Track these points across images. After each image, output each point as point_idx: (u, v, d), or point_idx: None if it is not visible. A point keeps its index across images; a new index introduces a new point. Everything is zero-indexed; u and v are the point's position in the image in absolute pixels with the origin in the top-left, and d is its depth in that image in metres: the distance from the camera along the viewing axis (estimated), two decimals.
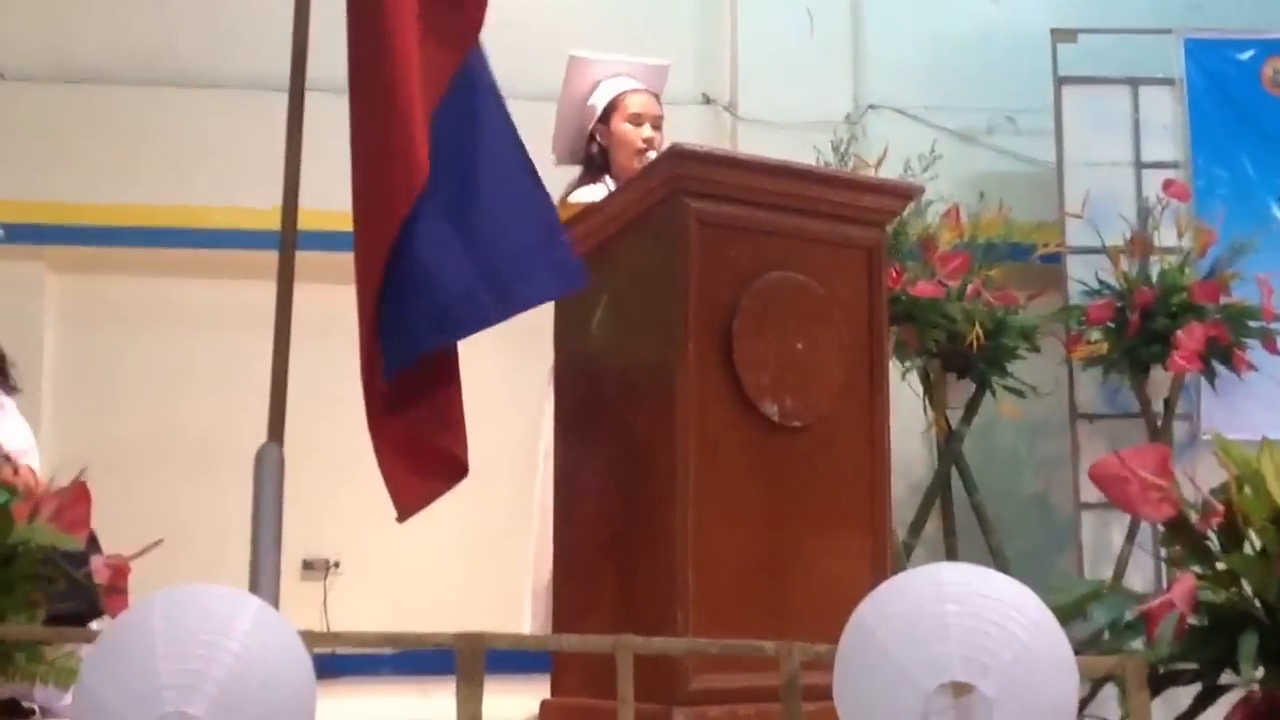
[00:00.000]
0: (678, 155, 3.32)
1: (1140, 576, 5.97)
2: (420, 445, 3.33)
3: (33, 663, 2.59)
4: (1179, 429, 6.30)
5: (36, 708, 4.15)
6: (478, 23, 3.50)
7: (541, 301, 3.44)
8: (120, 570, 2.79)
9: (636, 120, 4.71)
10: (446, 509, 6.59)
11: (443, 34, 3.45)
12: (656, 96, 4.80)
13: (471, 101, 3.48)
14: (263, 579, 2.99)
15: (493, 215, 3.34)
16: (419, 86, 3.36)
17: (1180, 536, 2.53)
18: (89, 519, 2.79)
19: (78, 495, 2.78)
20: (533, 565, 4.51)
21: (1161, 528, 2.57)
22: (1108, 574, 5.96)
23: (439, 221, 3.30)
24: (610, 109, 4.74)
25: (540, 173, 3.45)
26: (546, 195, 3.43)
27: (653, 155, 4.52)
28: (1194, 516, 2.57)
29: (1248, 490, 2.42)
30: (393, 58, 3.37)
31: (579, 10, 6.92)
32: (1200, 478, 2.69)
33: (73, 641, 2.54)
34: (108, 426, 6.42)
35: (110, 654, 1.90)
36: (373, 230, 3.34)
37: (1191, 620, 2.39)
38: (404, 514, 3.32)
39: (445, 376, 3.39)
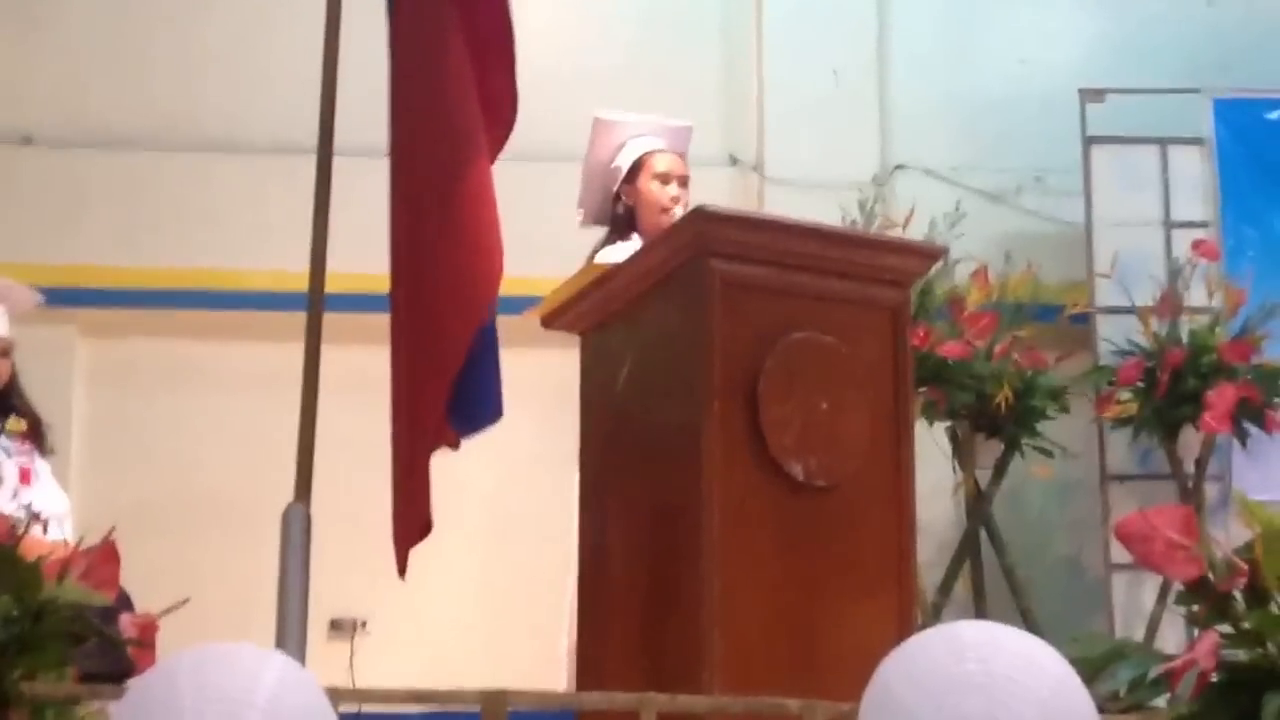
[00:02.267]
0: (702, 216, 3.34)
1: (1173, 638, 5.93)
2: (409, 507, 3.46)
3: None
4: (1211, 490, 6.26)
5: None
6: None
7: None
8: (148, 628, 2.81)
9: (663, 179, 4.74)
10: (476, 568, 6.64)
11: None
12: (682, 157, 4.83)
13: None
14: (289, 638, 3.00)
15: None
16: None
17: (1202, 596, 2.53)
18: (118, 578, 2.81)
19: (107, 554, 2.80)
20: (566, 627, 4.50)
21: (1181, 586, 2.56)
22: (1140, 636, 5.92)
23: None
24: (636, 168, 4.77)
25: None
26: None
27: (679, 212, 4.55)
28: (1219, 576, 2.56)
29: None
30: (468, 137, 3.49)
31: (603, 72, 6.96)
32: (1233, 538, 2.68)
33: (101, 698, 2.55)
34: (136, 488, 6.45)
35: (136, 710, 1.90)
36: (462, 284, 3.47)
37: (1214, 678, 2.38)
38: (404, 569, 3.42)
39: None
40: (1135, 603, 6.21)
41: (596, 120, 4.88)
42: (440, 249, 3.51)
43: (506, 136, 3.71)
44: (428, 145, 3.54)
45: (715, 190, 6.16)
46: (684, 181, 4.77)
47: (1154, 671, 2.51)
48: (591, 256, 4.64)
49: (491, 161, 3.66)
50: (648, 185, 4.74)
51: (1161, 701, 2.50)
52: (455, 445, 3.55)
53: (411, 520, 3.51)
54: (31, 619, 2.62)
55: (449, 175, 3.53)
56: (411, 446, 3.48)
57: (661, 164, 4.77)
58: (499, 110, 3.66)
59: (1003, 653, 1.97)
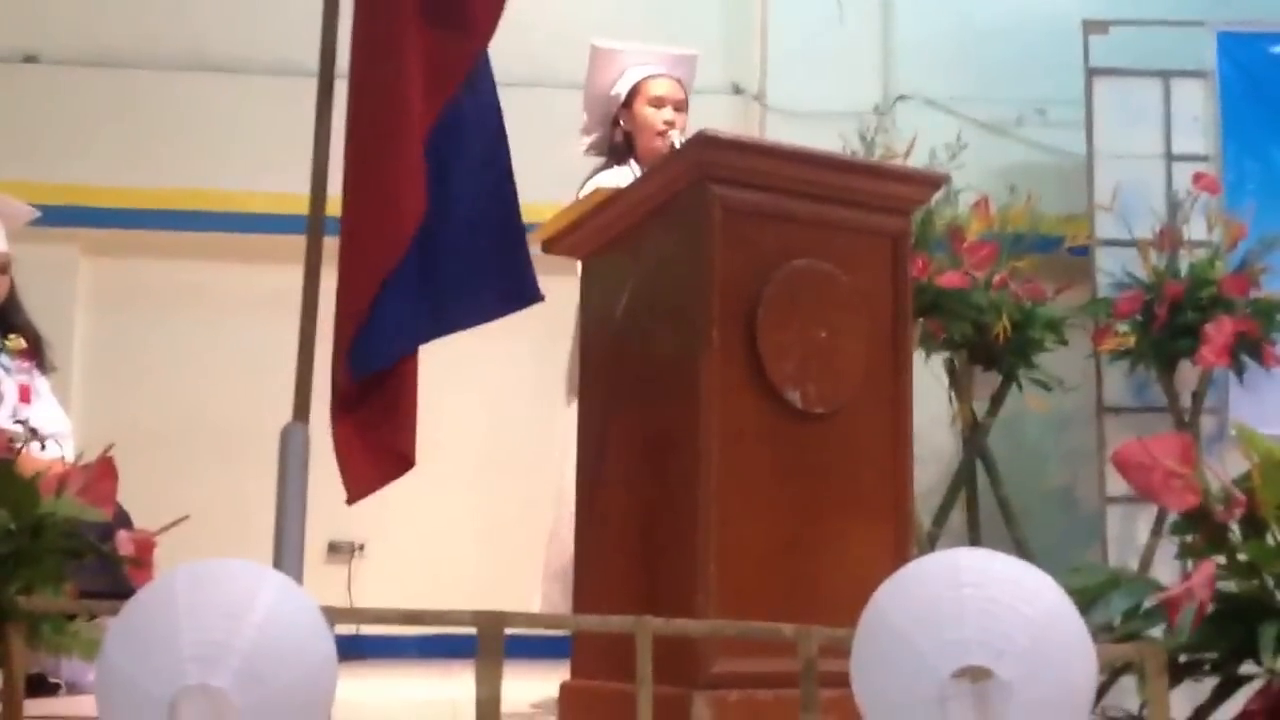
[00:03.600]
0: (703, 142, 3.32)
1: (1166, 570, 5.96)
2: (373, 437, 3.43)
3: (59, 635, 2.62)
4: (1207, 423, 6.28)
5: (63, 683, 4.19)
6: (489, 29, 3.57)
7: (486, 320, 3.64)
8: (145, 545, 2.81)
9: (658, 103, 4.72)
10: (470, 494, 6.66)
11: (453, 36, 3.53)
12: (681, 83, 4.80)
13: (466, 108, 3.59)
14: (287, 558, 3.01)
15: (459, 230, 3.55)
16: (422, 94, 3.47)
17: (1198, 526, 2.53)
18: (115, 495, 2.82)
19: (104, 471, 2.79)
20: (546, 547, 4.52)
21: (1176, 516, 2.57)
22: (1133, 567, 5.95)
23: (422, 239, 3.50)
24: (633, 94, 4.75)
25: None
26: (515, 206, 3.63)
27: (674, 136, 4.54)
28: (1217, 506, 2.56)
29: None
30: (401, 60, 3.45)
31: (606, 2, 6.93)
32: (1228, 471, 2.68)
33: (98, 614, 2.56)
34: (136, 408, 6.47)
35: (132, 627, 1.91)
36: (369, 237, 3.44)
37: (1211, 608, 2.39)
38: (353, 497, 3.42)
39: (402, 376, 3.54)
40: (1129, 534, 6.25)
41: (594, 48, 4.86)
42: (370, 183, 3.49)
43: (488, 34, 3.64)
44: (375, 74, 3.51)
45: (717, 119, 6.07)
46: (680, 106, 4.75)
47: (1149, 601, 2.52)
48: (585, 182, 4.63)
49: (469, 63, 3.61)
50: (643, 110, 4.73)
51: (1156, 632, 2.50)
52: (346, 383, 3.51)
53: (383, 456, 3.51)
54: (29, 534, 2.63)
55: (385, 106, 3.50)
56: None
57: (657, 88, 4.75)
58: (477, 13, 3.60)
59: (998, 580, 1.98)
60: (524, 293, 3.60)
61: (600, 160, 4.81)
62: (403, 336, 3.51)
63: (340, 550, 6.52)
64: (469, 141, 3.60)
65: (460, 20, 3.55)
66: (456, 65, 3.56)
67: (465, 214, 3.55)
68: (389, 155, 3.49)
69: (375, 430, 3.48)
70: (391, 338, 3.48)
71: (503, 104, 3.75)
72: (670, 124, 4.67)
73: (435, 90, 3.53)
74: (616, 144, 4.77)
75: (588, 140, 4.91)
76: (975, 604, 1.95)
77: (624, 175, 4.53)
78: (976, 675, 1.90)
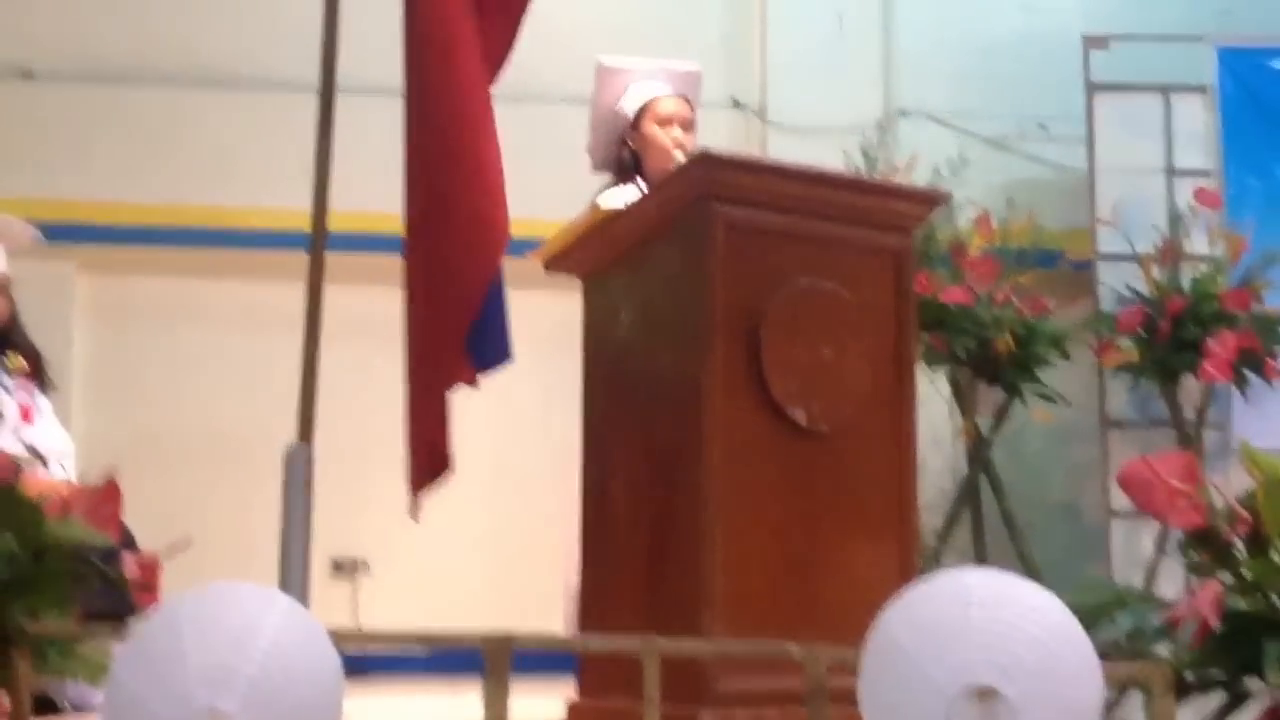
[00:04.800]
0: (706, 160, 3.33)
1: (1171, 585, 5.95)
2: (432, 438, 3.52)
3: (64, 658, 2.62)
4: (1210, 438, 6.28)
5: (68, 704, 4.18)
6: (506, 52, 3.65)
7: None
8: (151, 567, 2.81)
9: (666, 122, 4.72)
10: (476, 509, 6.66)
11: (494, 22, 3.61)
12: (688, 101, 4.81)
13: None
14: (292, 578, 3.01)
15: None
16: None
17: (1204, 544, 2.53)
18: (120, 517, 2.82)
19: (109, 493, 2.80)
20: (565, 566, 4.51)
21: (1183, 535, 2.57)
22: (1138, 582, 5.94)
23: None
24: (641, 113, 4.75)
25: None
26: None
27: (682, 157, 4.54)
28: (1221, 524, 2.57)
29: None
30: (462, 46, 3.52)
31: (607, 14, 6.93)
32: (1233, 486, 2.68)
33: (104, 637, 2.56)
34: (137, 425, 6.46)
35: (141, 650, 1.91)
36: (472, 232, 3.52)
37: (1216, 627, 2.39)
38: (417, 489, 3.47)
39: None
40: (1134, 549, 6.24)
41: (601, 66, 4.86)
42: (456, 195, 3.53)
43: (497, 73, 3.70)
44: (439, 93, 3.55)
45: (718, 134, 6.15)
46: (688, 125, 4.75)
47: (1154, 619, 2.52)
48: (593, 200, 4.63)
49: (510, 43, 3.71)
50: (651, 129, 4.72)
51: (1162, 649, 2.51)
52: (474, 382, 3.61)
53: (429, 460, 3.56)
54: (33, 558, 2.63)
55: (461, 124, 3.54)
56: (429, 388, 3.53)
57: (665, 107, 4.75)
58: (494, 48, 3.65)
59: (1004, 599, 1.98)
60: (506, 352, 3.69)
61: (606, 178, 4.81)
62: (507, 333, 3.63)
63: (344, 568, 6.51)
64: None
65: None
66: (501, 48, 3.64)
67: None
68: (480, 151, 3.54)
69: (435, 431, 3.55)
70: (505, 333, 3.60)
71: (505, 120, 3.77)
72: (679, 143, 4.67)
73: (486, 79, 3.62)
74: (623, 162, 4.76)
75: (593, 158, 4.91)
76: (982, 624, 1.96)
77: (631, 194, 4.52)
78: (984, 694, 1.90)
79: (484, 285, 3.56)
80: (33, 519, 2.63)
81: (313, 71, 3.59)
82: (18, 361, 4.63)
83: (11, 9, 6.80)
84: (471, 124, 3.58)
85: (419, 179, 3.58)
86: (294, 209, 3.85)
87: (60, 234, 6.14)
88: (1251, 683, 2.50)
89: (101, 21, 6.83)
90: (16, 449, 3.99)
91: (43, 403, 4.70)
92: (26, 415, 4.55)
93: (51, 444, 4.41)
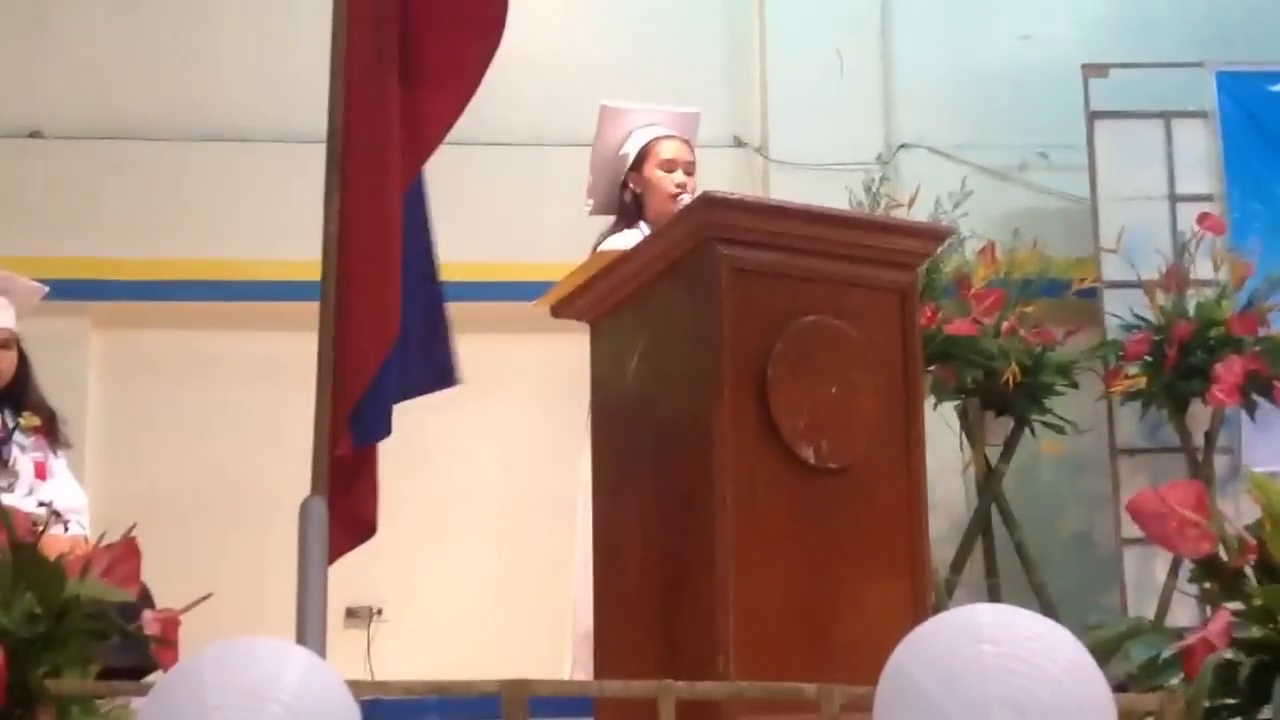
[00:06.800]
0: (708, 202, 3.36)
1: (1185, 613, 5.94)
2: (342, 505, 3.44)
3: (86, 716, 2.64)
4: (1220, 462, 6.28)
5: None
6: (468, 94, 3.57)
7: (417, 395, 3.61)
8: (170, 623, 2.84)
9: (669, 167, 4.75)
10: (488, 554, 6.66)
11: (434, 100, 3.54)
12: (688, 143, 4.84)
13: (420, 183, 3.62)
14: (310, 634, 3.02)
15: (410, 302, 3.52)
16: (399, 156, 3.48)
17: (1214, 573, 2.55)
18: (139, 574, 2.84)
19: (128, 551, 2.83)
20: (574, 611, 4.53)
21: (1193, 564, 2.58)
22: (1152, 610, 5.94)
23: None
24: (642, 156, 4.78)
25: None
26: (440, 288, 3.61)
27: (686, 200, 4.57)
28: (1230, 552, 2.58)
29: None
30: (386, 123, 3.46)
31: (607, 56, 6.97)
32: (1243, 511, 2.70)
33: (125, 694, 2.58)
34: (151, 480, 6.47)
35: (162, 706, 1.93)
36: (370, 305, 3.44)
37: (1228, 656, 2.40)
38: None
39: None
40: (1147, 576, 6.23)
41: (603, 108, 4.90)
42: (368, 261, 3.48)
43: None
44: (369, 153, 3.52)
45: (719, 172, 6.18)
46: (690, 169, 4.79)
47: (1167, 651, 2.54)
48: (598, 244, 4.66)
49: (444, 130, 3.63)
50: (654, 173, 4.76)
51: (1176, 680, 2.52)
52: (347, 451, 3.51)
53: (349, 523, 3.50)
54: (54, 617, 2.65)
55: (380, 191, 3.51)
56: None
57: (667, 151, 4.78)
58: (458, 75, 3.60)
59: (1017, 636, 1.99)
60: (448, 375, 3.60)
61: (609, 221, 4.84)
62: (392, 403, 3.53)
63: (359, 615, 6.52)
64: (419, 214, 3.60)
65: (441, 83, 3.55)
66: (435, 129, 3.57)
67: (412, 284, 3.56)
68: (382, 220, 3.49)
69: (344, 498, 3.48)
70: (388, 406, 3.50)
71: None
72: (682, 187, 4.70)
73: (412, 153, 3.53)
74: (626, 205, 4.80)
75: (593, 201, 4.94)
76: (995, 660, 1.96)
77: (634, 238, 4.55)
78: None
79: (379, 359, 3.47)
80: (53, 578, 2.66)
81: (316, 121, 3.61)
82: (32, 419, 4.66)
83: (19, 69, 6.86)
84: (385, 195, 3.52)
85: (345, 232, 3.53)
86: (303, 259, 3.86)
87: (72, 290, 6.17)
88: (1265, 711, 2.51)
89: (107, 80, 6.88)
90: (32, 507, 4.01)
91: (56, 460, 4.72)
92: (41, 473, 4.58)
93: (67, 501, 4.43)
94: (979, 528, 6.25)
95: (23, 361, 4.81)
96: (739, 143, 7.13)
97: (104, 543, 2.85)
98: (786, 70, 7.11)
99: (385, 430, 3.48)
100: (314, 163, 3.62)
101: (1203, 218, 6.25)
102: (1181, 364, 6.04)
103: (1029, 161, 7.17)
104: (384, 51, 3.49)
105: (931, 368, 5.73)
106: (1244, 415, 6.11)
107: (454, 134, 3.57)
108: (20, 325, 4.86)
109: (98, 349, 6.76)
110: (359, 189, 3.49)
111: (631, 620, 3.53)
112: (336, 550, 3.43)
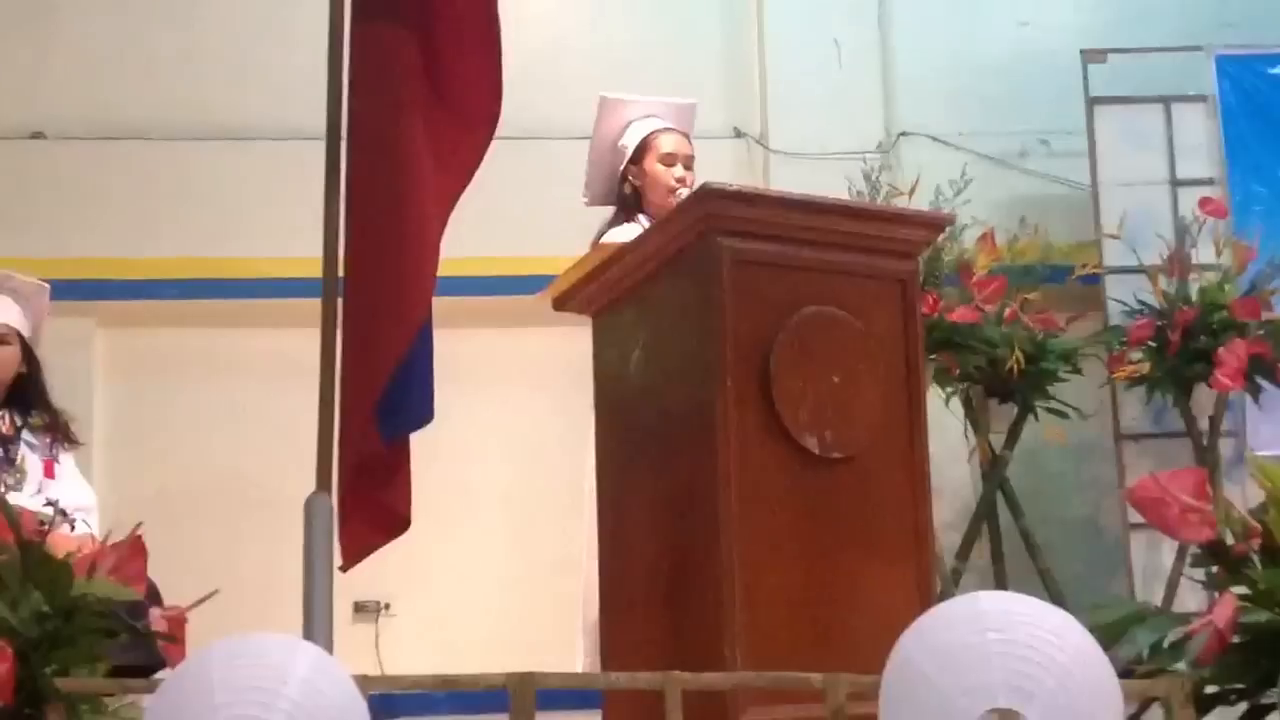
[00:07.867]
0: (708, 194, 3.36)
1: (1193, 596, 5.95)
2: (374, 499, 3.44)
3: (95, 714, 2.65)
4: (1225, 446, 6.28)
5: None
6: (492, 120, 3.60)
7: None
8: (177, 621, 2.85)
9: (669, 160, 4.76)
10: (495, 548, 6.67)
11: (457, 124, 3.56)
12: (687, 136, 4.85)
13: None
14: (317, 629, 3.03)
15: None
16: (433, 170, 3.49)
17: (1218, 558, 2.55)
18: (146, 573, 2.85)
19: (135, 549, 2.84)
20: (581, 602, 4.54)
21: (1196, 550, 2.59)
22: (1159, 595, 5.95)
23: None
24: (642, 149, 4.79)
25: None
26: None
27: (685, 194, 4.57)
28: (1234, 538, 2.58)
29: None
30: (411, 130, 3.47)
31: (605, 46, 6.97)
32: (1249, 495, 2.70)
33: (134, 692, 2.59)
34: (158, 478, 6.48)
35: (170, 703, 1.94)
36: (394, 297, 3.45)
37: (1234, 640, 2.40)
38: (348, 563, 3.40)
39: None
40: (1154, 561, 6.24)
41: (602, 100, 4.90)
42: (384, 251, 3.49)
43: (492, 120, 3.66)
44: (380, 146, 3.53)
45: (719, 163, 6.17)
46: (689, 162, 4.80)
47: (1173, 635, 2.54)
48: (597, 238, 4.67)
49: (480, 154, 3.64)
50: (653, 166, 4.77)
51: (1182, 664, 2.52)
52: (379, 451, 3.51)
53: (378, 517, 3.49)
54: (63, 616, 2.66)
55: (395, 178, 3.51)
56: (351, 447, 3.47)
57: (667, 144, 4.79)
58: (477, 93, 3.62)
59: (1022, 623, 2.00)
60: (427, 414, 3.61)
61: (608, 212, 4.84)
62: (430, 397, 3.53)
63: (366, 610, 6.53)
64: None
65: (462, 110, 3.58)
66: (469, 157, 3.60)
67: None
68: (408, 220, 3.50)
69: (378, 491, 3.49)
70: (424, 397, 3.50)
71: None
72: (682, 180, 4.71)
73: (447, 174, 3.55)
74: (625, 197, 4.80)
75: (590, 192, 4.94)
76: (1000, 647, 1.98)
77: (634, 232, 4.55)
78: (1005, 718, 1.92)
79: (403, 346, 3.47)
80: (62, 578, 2.67)
81: (316, 119, 3.62)
82: (40, 419, 4.68)
83: (22, 71, 6.86)
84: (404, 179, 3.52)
85: (355, 227, 3.54)
86: (306, 256, 3.87)
87: (77, 290, 6.18)
88: (1271, 695, 2.51)
89: (109, 80, 6.88)
90: (40, 506, 4.02)
91: (64, 459, 4.73)
92: (49, 472, 4.59)
93: (75, 500, 4.43)
94: (984, 515, 6.26)
95: (31, 361, 4.81)
96: (739, 133, 7.13)
97: (110, 541, 2.86)
98: (786, 60, 7.11)
99: (427, 415, 3.50)
100: (317, 159, 3.63)
101: (1204, 202, 6.24)
102: (1185, 349, 6.04)
103: (1029, 148, 7.16)
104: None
105: (934, 356, 5.73)
106: (1248, 399, 6.11)
107: None
108: (35, 332, 4.86)
109: (103, 348, 6.77)
110: (369, 181, 3.51)
111: (637, 611, 3.54)
112: (368, 546, 3.45)
